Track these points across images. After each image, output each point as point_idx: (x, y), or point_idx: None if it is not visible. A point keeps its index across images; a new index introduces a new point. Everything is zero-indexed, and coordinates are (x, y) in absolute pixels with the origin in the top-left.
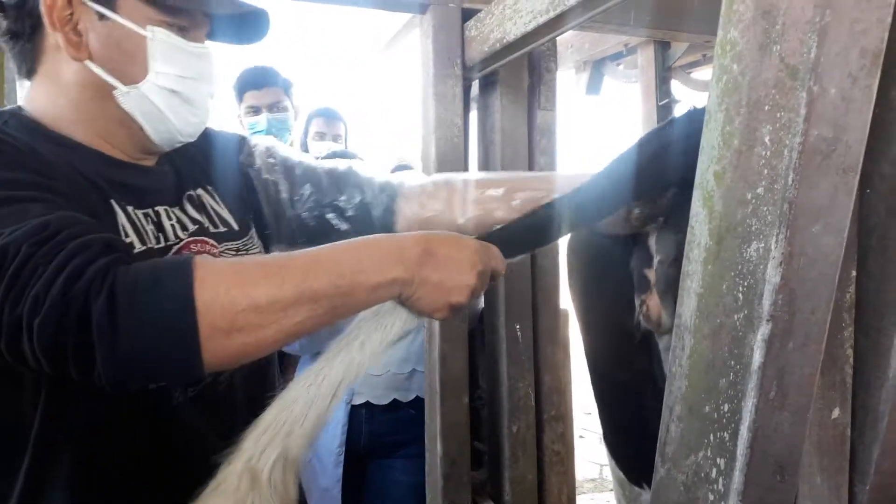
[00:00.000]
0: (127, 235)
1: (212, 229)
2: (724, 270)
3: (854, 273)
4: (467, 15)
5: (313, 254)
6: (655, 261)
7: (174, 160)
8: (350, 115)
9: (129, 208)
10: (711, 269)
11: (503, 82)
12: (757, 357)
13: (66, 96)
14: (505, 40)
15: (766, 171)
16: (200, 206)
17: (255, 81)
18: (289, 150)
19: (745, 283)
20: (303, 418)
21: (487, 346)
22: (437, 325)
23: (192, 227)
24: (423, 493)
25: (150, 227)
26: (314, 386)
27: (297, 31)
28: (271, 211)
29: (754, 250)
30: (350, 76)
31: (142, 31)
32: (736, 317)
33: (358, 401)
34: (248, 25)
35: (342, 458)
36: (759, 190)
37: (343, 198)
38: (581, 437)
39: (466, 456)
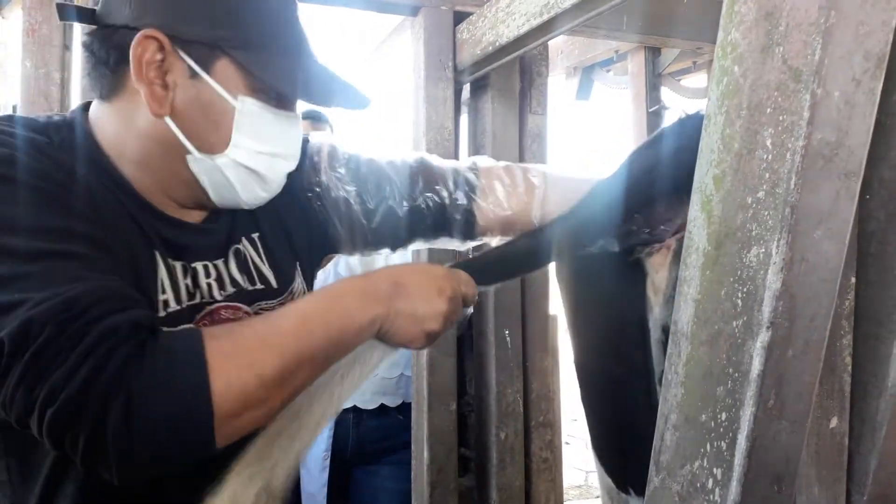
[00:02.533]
0: (164, 291)
1: (248, 288)
2: (722, 276)
3: (853, 280)
4: (459, 18)
5: (300, 312)
6: None
7: (228, 210)
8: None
9: (170, 260)
10: (710, 275)
11: (494, 86)
12: (756, 365)
13: (136, 141)
14: (497, 43)
15: (767, 175)
16: (244, 262)
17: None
18: (353, 146)
19: (745, 289)
20: (286, 451)
21: (476, 352)
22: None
23: (230, 290)
24: (409, 499)
25: (186, 282)
26: (297, 420)
27: None
28: (345, 226)
29: (754, 255)
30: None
31: (232, 101)
32: (735, 323)
33: (345, 405)
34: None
35: (328, 462)
36: (760, 194)
37: (419, 200)
38: (567, 443)
39: (453, 463)
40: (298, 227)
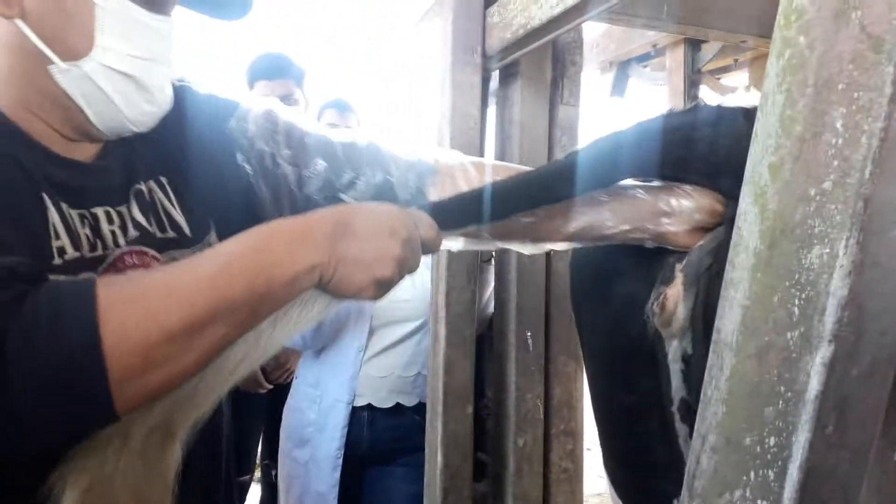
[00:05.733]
0: (58, 237)
1: (158, 234)
2: (776, 280)
3: None
4: (490, 0)
5: (221, 255)
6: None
7: (128, 143)
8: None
9: (64, 206)
10: (761, 278)
11: (524, 74)
12: (814, 384)
13: (2, 49)
14: (529, 26)
15: (835, 163)
16: (150, 206)
17: (268, 71)
18: (297, 115)
19: (804, 296)
20: (192, 393)
21: (495, 354)
22: (442, 328)
23: (133, 234)
24: (423, 502)
25: (86, 231)
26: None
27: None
28: (268, 188)
29: (816, 256)
30: (372, 52)
31: None
32: (789, 335)
33: (360, 402)
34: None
35: (340, 461)
36: (826, 185)
37: (363, 176)
38: (588, 449)
39: (468, 469)
40: (215, 179)
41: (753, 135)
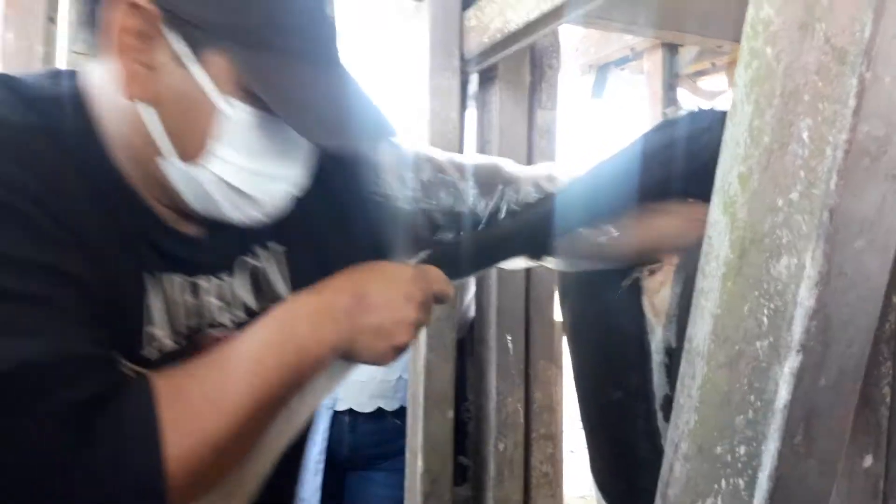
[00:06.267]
0: (150, 322)
1: (255, 307)
2: (746, 289)
3: (895, 299)
4: (468, 3)
5: (251, 354)
6: None
7: None
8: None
9: (166, 278)
10: (731, 287)
11: (503, 78)
12: (783, 393)
13: (123, 120)
14: (506, 30)
15: (802, 174)
16: (253, 276)
17: None
18: (419, 148)
19: (772, 306)
20: (243, 480)
21: (476, 358)
22: (423, 333)
23: (239, 314)
24: None
25: (186, 298)
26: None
27: None
28: (408, 234)
29: (784, 267)
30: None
31: (219, 102)
32: (759, 344)
33: (341, 407)
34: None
35: (322, 466)
36: (794, 195)
37: (499, 207)
38: (572, 451)
39: (448, 473)
40: (341, 238)
41: (723, 144)
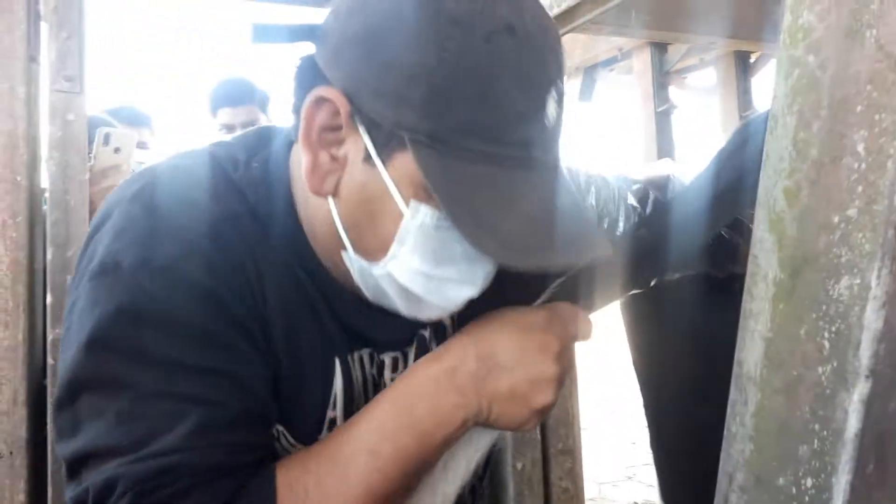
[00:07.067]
0: (334, 408)
1: None
2: (801, 311)
3: None
4: None
5: (369, 445)
6: None
7: None
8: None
9: (355, 357)
10: (784, 309)
11: None
12: (853, 422)
13: (316, 205)
14: None
15: (860, 189)
16: (424, 350)
17: (230, 97)
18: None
19: (833, 328)
20: None
21: None
22: None
23: None
24: None
25: (373, 372)
26: None
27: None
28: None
29: (845, 287)
30: None
31: (402, 206)
32: (820, 370)
33: None
34: None
35: None
36: (851, 212)
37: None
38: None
39: (467, 496)
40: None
41: (764, 157)
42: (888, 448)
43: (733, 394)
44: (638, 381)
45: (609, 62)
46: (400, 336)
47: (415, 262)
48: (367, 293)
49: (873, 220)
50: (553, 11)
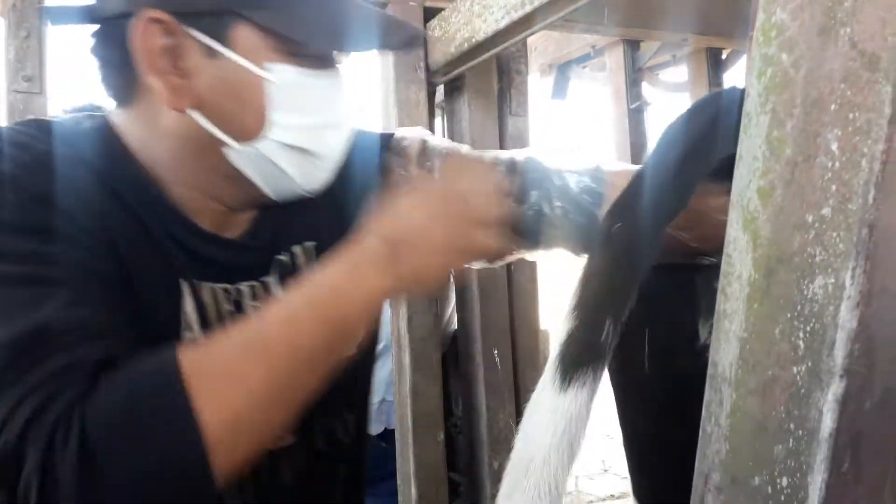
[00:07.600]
0: (189, 328)
1: None
2: (776, 311)
3: None
4: (430, 14)
5: (286, 311)
6: None
7: (278, 211)
8: None
9: (206, 286)
10: (758, 309)
11: (470, 87)
12: (828, 421)
13: (165, 143)
14: (473, 40)
15: (833, 188)
16: (290, 276)
17: None
18: (447, 142)
19: (808, 328)
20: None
21: (463, 375)
22: (406, 355)
23: None
24: None
25: (229, 308)
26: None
27: None
28: None
29: (819, 287)
30: None
31: (260, 72)
32: (795, 369)
33: None
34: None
35: None
36: (825, 211)
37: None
38: None
39: (444, 496)
40: None
41: (738, 156)
42: (863, 447)
43: (708, 394)
44: (611, 379)
45: (582, 59)
46: (254, 263)
47: (292, 118)
48: (265, 184)
49: (847, 219)
50: (525, 9)
